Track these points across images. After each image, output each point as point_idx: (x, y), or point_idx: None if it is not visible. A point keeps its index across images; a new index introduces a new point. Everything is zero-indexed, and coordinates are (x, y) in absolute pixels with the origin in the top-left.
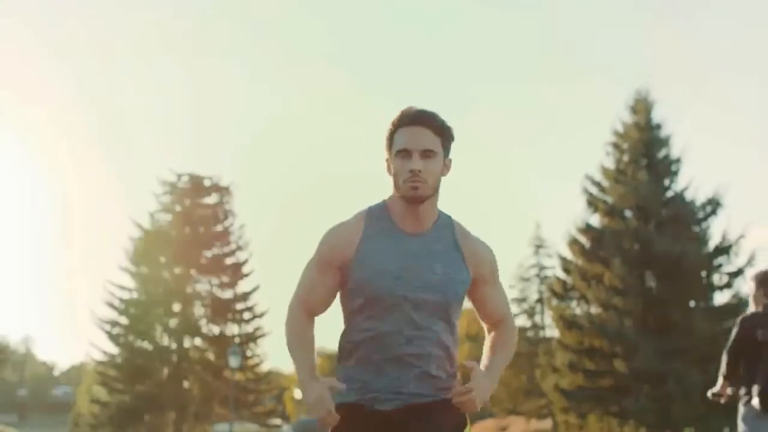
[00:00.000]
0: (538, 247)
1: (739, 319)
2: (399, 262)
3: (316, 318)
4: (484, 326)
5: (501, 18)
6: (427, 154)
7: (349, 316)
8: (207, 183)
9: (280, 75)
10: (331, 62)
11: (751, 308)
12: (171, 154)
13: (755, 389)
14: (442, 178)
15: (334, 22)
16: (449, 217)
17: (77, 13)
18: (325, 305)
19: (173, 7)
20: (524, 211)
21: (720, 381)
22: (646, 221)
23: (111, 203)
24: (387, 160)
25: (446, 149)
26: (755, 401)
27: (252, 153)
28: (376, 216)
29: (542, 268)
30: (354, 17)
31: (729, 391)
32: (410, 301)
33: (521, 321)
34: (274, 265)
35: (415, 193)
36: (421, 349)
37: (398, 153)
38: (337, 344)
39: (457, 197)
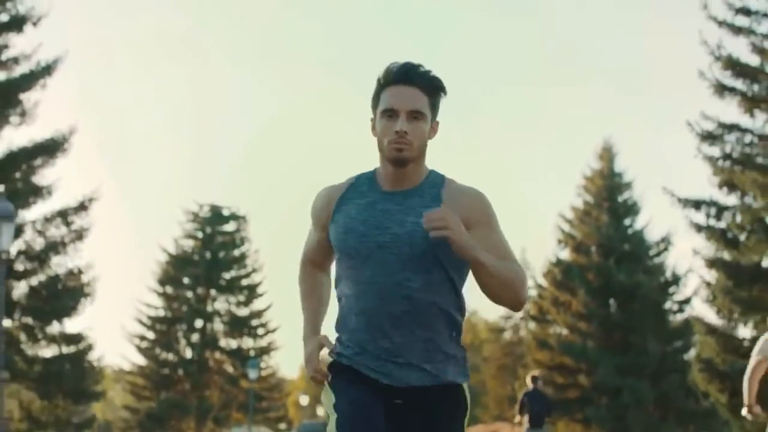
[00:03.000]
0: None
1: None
2: (370, 221)
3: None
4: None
5: (499, 23)
6: (414, 114)
7: (335, 275)
8: (225, 212)
9: (285, 83)
10: (331, 68)
11: None
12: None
13: None
14: (429, 141)
15: (333, 27)
16: (442, 175)
17: (77, 14)
18: (325, 260)
19: (172, 12)
20: (522, 215)
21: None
22: (607, 257)
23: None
24: (372, 119)
25: (435, 109)
26: None
27: (262, 182)
28: (363, 180)
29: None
30: (353, 23)
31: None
32: (377, 259)
33: (508, 335)
34: (285, 285)
35: (399, 155)
36: (402, 307)
37: (384, 113)
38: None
39: None
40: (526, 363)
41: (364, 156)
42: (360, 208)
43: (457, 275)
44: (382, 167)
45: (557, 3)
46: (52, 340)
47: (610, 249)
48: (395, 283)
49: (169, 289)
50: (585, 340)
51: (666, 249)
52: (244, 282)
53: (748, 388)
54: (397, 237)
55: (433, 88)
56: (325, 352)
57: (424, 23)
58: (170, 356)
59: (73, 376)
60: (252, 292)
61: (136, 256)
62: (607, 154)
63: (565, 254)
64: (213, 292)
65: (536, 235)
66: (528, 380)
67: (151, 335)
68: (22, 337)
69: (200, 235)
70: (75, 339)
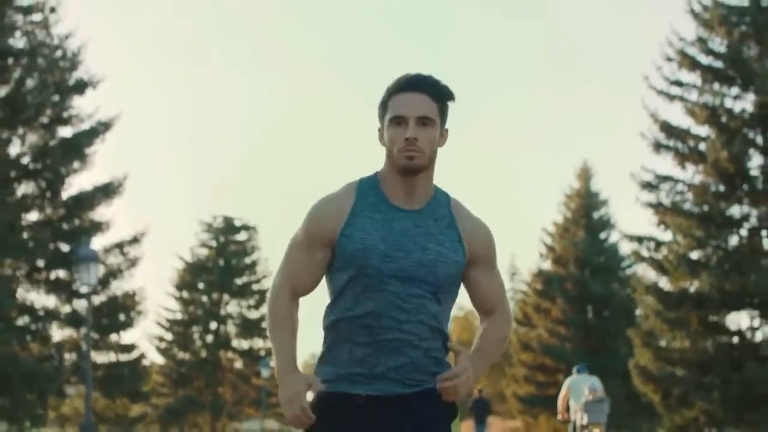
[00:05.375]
0: (513, 274)
1: None
2: (389, 240)
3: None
4: (478, 315)
5: (501, 23)
6: (423, 121)
7: (334, 294)
8: (237, 223)
9: (289, 87)
10: (333, 71)
11: None
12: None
13: None
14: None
15: (336, 27)
16: (446, 193)
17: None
18: (312, 285)
19: (173, 12)
20: (521, 214)
21: None
22: (583, 269)
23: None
24: (379, 129)
25: (443, 117)
26: None
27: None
28: (367, 189)
29: (516, 292)
30: (355, 23)
31: None
32: (399, 281)
33: None
34: None
35: (410, 163)
36: (408, 333)
37: (392, 120)
38: (322, 325)
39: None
40: (513, 362)
41: (369, 161)
42: (376, 224)
43: (450, 302)
44: (391, 177)
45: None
46: (111, 348)
47: (586, 262)
48: (413, 308)
49: (185, 294)
50: (563, 343)
51: (636, 262)
52: (255, 287)
53: (560, 405)
54: (420, 263)
55: (441, 94)
56: (310, 396)
57: (425, 25)
58: (187, 356)
59: (129, 379)
60: (262, 296)
61: (150, 263)
62: (585, 174)
63: (547, 265)
64: (226, 296)
65: (529, 236)
66: (475, 391)
67: (169, 336)
68: (86, 346)
69: (214, 244)
70: (129, 348)
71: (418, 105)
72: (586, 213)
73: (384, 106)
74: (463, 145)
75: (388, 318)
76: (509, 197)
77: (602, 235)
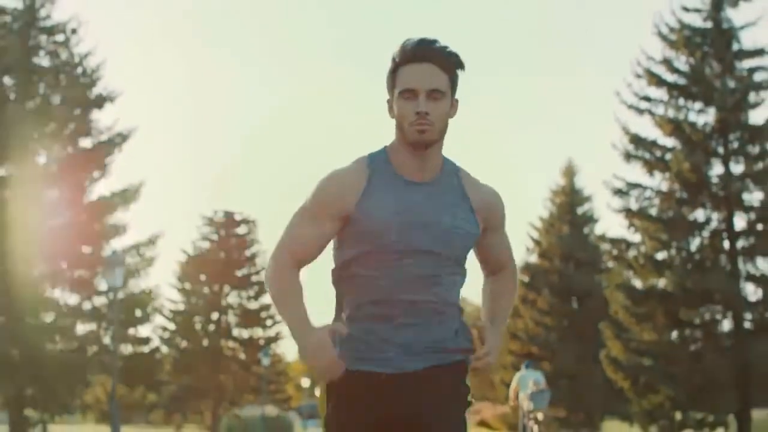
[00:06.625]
0: None
1: None
2: (404, 214)
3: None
4: (482, 270)
5: (502, 9)
6: (434, 95)
7: (344, 268)
8: (237, 217)
9: (289, 78)
10: (334, 62)
11: None
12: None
13: None
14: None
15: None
16: (454, 163)
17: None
18: (315, 254)
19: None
20: (517, 202)
21: None
22: (567, 262)
23: None
24: (389, 101)
25: (454, 86)
26: None
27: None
28: (379, 164)
29: None
30: (353, 12)
31: None
32: (415, 255)
33: None
34: None
35: (422, 137)
36: (426, 306)
37: (402, 93)
38: (335, 299)
39: None
40: (501, 351)
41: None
42: (390, 199)
43: (464, 271)
44: (402, 150)
45: None
46: (129, 341)
47: (570, 256)
48: (427, 278)
49: (188, 286)
50: (549, 333)
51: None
52: (254, 279)
53: (511, 395)
54: (437, 236)
55: (451, 64)
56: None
57: (428, 8)
58: (189, 345)
59: (146, 369)
60: (261, 287)
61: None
62: (570, 172)
63: (533, 258)
64: (227, 288)
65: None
66: None
67: (172, 326)
68: (107, 339)
69: (215, 237)
70: (146, 341)
71: (428, 77)
72: (570, 209)
73: (392, 76)
74: (470, 121)
75: (405, 292)
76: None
77: (585, 230)
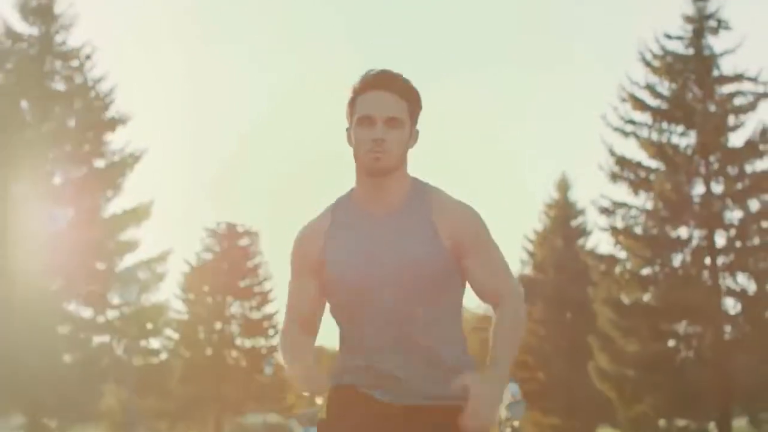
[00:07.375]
0: None
1: None
2: (367, 253)
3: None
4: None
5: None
6: (391, 122)
7: (334, 319)
8: (240, 229)
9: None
10: (336, 71)
11: None
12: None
13: None
14: (410, 151)
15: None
16: (425, 185)
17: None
18: (311, 315)
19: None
20: (503, 223)
21: None
22: (561, 274)
23: None
24: (347, 129)
25: (414, 117)
26: None
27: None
28: (341, 202)
29: None
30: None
31: None
32: (385, 291)
33: (486, 334)
34: None
35: (376, 164)
36: (409, 342)
37: (360, 120)
38: None
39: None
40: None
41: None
42: (350, 240)
43: (449, 299)
44: (360, 181)
45: None
46: (141, 353)
47: (564, 268)
48: (398, 317)
49: (191, 296)
50: (543, 343)
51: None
52: (257, 289)
53: None
54: (396, 271)
55: (410, 92)
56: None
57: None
58: (193, 354)
59: (158, 379)
60: (263, 298)
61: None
62: (564, 186)
63: (528, 270)
64: (230, 298)
65: (512, 244)
66: None
67: (176, 336)
68: (119, 351)
69: (218, 249)
70: (156, 352)
71: (386, 104)
72: (564, 222)
73: (351, 105)
74: (466, 118)
75: (382, 336)
76: (495, 203)
77: (579, 242)
